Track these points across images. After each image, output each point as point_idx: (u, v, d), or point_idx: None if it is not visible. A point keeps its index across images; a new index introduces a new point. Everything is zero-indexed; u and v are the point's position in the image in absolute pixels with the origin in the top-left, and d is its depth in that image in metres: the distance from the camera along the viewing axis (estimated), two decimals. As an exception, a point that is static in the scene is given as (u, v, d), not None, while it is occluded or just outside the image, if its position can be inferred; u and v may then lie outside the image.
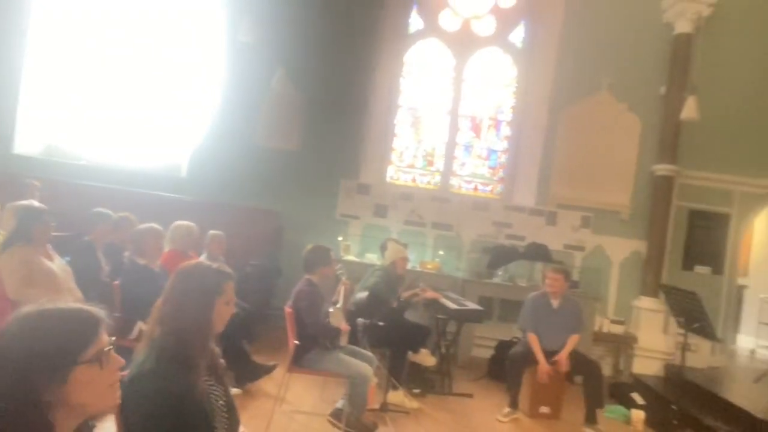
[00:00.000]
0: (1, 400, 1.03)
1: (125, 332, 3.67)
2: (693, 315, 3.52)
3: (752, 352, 8.34)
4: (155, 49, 7.36)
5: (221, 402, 1.64)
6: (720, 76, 6.81)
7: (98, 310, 1.21)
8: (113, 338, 1.21)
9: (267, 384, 4.53)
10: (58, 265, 3.61)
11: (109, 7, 7.33)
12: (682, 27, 6.73)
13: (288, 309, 3.82)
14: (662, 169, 6.74)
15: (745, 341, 8.94)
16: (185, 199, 6.48)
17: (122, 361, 1.21)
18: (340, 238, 6.80)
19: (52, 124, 7.26)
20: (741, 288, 8.63)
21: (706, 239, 6.91)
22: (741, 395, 5.47)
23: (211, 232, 5.08)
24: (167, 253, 4.46)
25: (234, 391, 3.26)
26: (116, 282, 3.92)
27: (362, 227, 7.12)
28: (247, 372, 4.36)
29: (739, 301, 8.70)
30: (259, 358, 4.66)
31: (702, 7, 6.64)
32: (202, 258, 4.69)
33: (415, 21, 7.57)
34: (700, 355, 6.53)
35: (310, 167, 7.07)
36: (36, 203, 4.00)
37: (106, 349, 1.17)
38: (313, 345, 3.76)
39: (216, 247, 5.02)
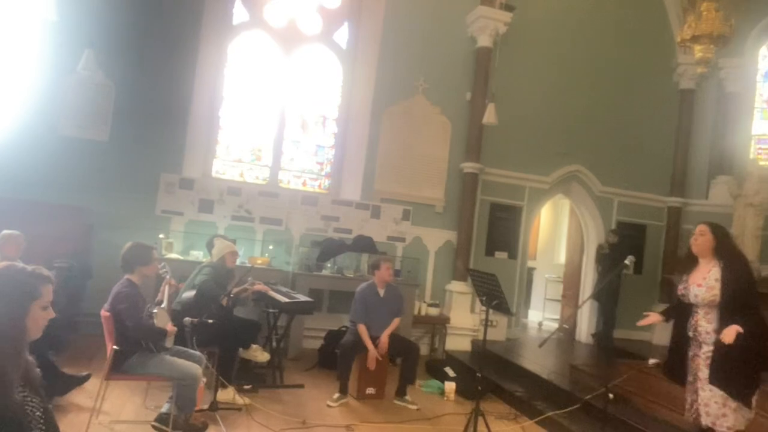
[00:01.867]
0: None
1: None
2: (492, 294, 4.08)
3: (540, 324, 9.81)
4: None
5: (38, 413, 1.52)
6: (514, 87, 7.85)
7: None
8: None
9: (79, 396, 4.16)
10: None
11: None
12: (483, 41, 7.62)
13: (105, 312, 3.56)
14: (469, 167, 7.58)
15: (534, 315, 10.48)
16: (-33, 195, 5.56)
17: None
18: (161, 236, 6.42)
19: None
20: (531, 270, 10.10)
21: (504, 229, 7.95)
22: (531, 361, 6.45)
23: (5, 232, 4.45)
24: (-52, 258, 3.82)
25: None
26: None
27: (186, 224, 6.81)
28: (56, 385, 3.94)
29: (530, 282, 10.18)
30: (69, 370, 4.24)
31: (499, 25, 7.59)
32: (-6, 262, 4.10)
33: (240, 12, 7.42)
34: (500, 330, 7.52)
35: (124, 160, 6.55)
36: None
37: None
38: (134, 349, 3.56)
39: (12, 249, 4.40)
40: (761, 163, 8.21)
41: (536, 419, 4.85)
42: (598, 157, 8.33)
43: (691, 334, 3.53)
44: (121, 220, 6.28)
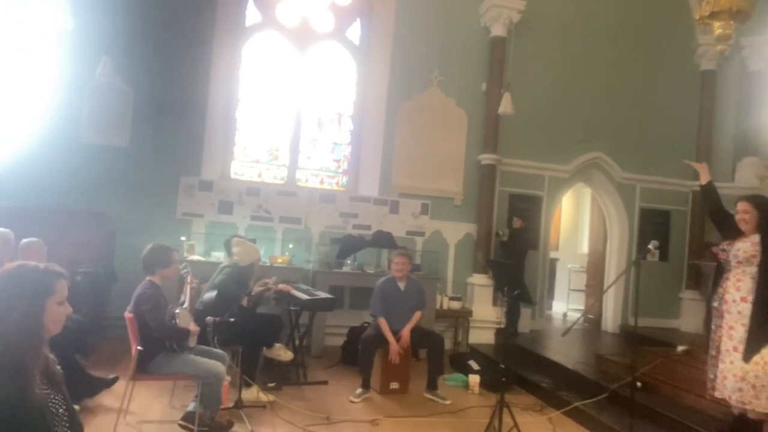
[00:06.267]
0: None
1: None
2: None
3: (564, 315, 9.68)
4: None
5: (61, 410, 1.55)
6: (530, 75, 7.74)
7: None
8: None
9: (107, 398, 4.22)
10: None
11: None
12: (497, 31, 7.53)
13: (128, 314, 3.61)
14: (486, 158, 7.50)
15: (558, 306, 10.35)
16: (-5, 204, 5.68)
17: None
18: (183, 238, 6.50)
19: None
20: (553, 261, 9.96)
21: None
22: (556, 351, 6.37)
23: (25, 240, 4.51)
24: (-24, 265, 3.90)
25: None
26: None
27: (206, 225, 6.87)
28: (84, 387, 4.01)
29: (553, 273, 10.05)
30: (97, 373, 4.32)
31: (513, 14, 7.49)
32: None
33: (253, 13, 7.46)
34: (523, 321, 7.41)
35: (143, 165, 6.64)
36: None
37: None
38: (158, 349, 3.61)
39: (34, 256, 4.45)
40: (789, 142, 7.97)
41: (563, 410, 4.78)
42: (619, 143, 8.18)
43: (716, 304, 3.62)
44: (143, 225, 6.38)
